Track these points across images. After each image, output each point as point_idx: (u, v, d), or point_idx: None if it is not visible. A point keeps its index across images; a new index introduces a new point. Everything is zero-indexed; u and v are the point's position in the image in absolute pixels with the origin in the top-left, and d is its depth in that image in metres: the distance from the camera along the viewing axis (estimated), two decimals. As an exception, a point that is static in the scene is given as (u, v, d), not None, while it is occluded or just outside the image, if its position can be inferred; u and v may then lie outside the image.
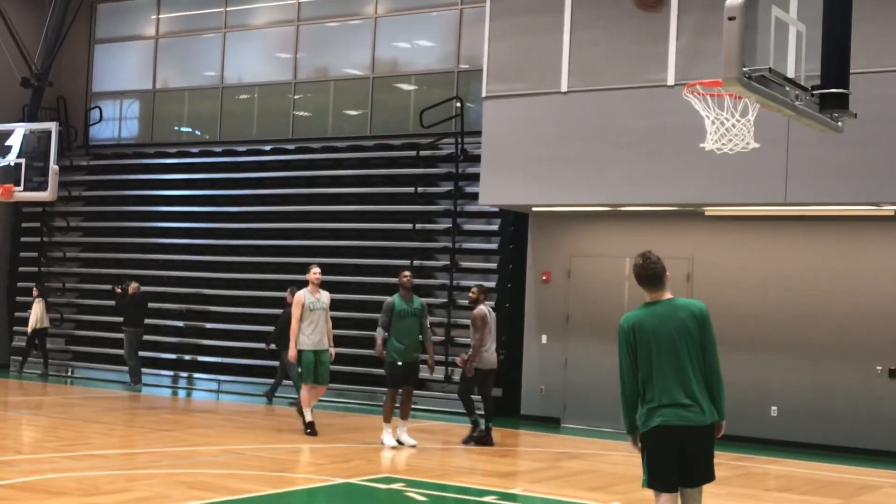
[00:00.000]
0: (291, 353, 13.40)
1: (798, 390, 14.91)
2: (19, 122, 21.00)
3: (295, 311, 13.52)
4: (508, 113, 16.16)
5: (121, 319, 19.92)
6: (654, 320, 6.50)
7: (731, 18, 7.86)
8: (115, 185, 22.50)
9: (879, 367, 14.41)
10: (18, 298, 22.91)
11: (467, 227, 18.25)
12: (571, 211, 16.39)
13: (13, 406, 16.50)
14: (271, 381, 18.54)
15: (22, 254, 23.25)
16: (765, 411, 15.05)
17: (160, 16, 23.10)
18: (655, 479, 6.49)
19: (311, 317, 13.51)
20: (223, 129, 21.96)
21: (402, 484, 10.41)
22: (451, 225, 18.20)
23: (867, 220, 14.60)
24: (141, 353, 19.89)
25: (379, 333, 13.14)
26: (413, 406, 16.41)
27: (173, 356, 20.83)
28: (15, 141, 18.84)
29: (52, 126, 18.69)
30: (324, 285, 13.84)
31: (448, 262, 18.11)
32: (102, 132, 23.70)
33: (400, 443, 13.04)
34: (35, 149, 18.64)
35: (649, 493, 6.76)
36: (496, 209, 17.52)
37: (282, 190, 20.25)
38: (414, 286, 14.09)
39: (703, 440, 6.43)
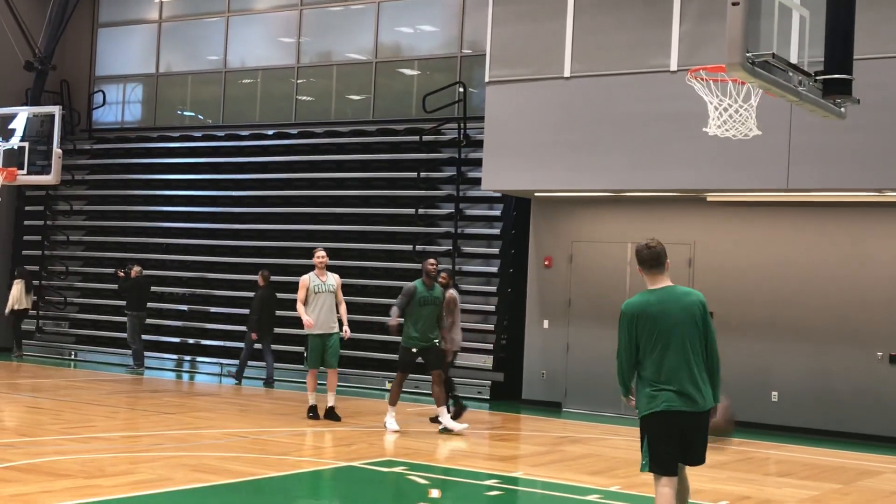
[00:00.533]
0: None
1: (799, 376, 14.92)
2: (22, 105, 20.98)
3: (300, 294, 13.50)
4: (511, 98, 16.13)
5: (123, 303, 19.95)
6: (659, 307, 6.55)
7: (734, 4, 7.84)
8: (118, 169, 22.49)
9: (880, 353, 14.42)
10: (22, 282, 22.91)
11: (470, 211, 18.24)
12: (574, 196, 16.37)
13: (17, 389, 16.54)
14: (274, 365, 18.57)
15: (25, 237, 23.26)
16: (766, 396, 15.07)
17: None
18: (658, 462, 6.56)
19: (316, 300, 13.45)
20: (226, 113, 21.93)
21: (403, 467, 10.43)
22: (453, 210, 18.19)
23: (869, 207, 14.58)
24: (144, 337, 19.94)
25: (394, 314, 13.08)
26: (414, 390, 16.47)
27: (176, 340, 20.87)
28: (18, 124, 18.83)
29: (56, 110, 18.67)
30: (316, 267, 13.71)
31: (451, 247, 18.10)
32: (105, 116, 23.68)
33: (447, 430, 12.90)
34: (38, 132, 18.62)
35: (650, 476, 6.81)
36: (499, 194, 17.51)
37: (285, 174, 20.24)
38: (417, 273, 14.13)
39: (702, 424, 6.56)
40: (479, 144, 17.43)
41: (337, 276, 13.84)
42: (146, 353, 20.02)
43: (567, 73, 15.62)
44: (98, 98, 23.48)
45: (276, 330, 18.44)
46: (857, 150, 13.53)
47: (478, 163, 17.22)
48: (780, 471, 11.78)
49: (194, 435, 12.12)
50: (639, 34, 15.15)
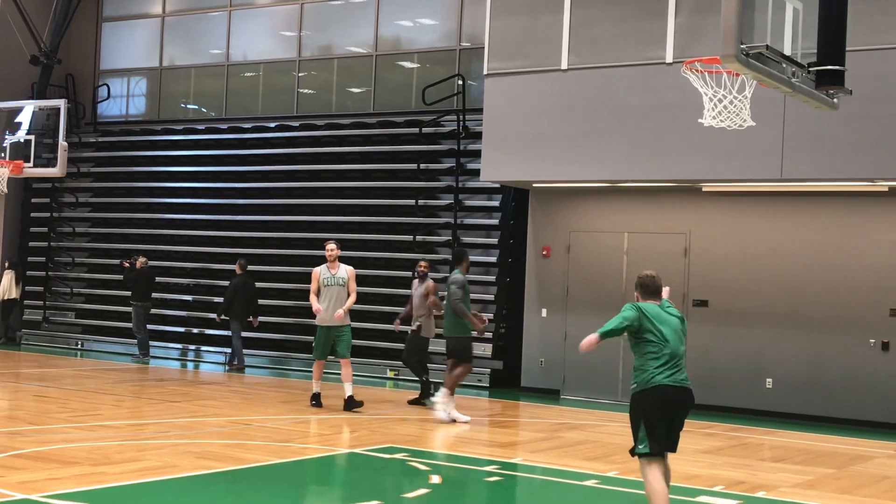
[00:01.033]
0: (337, 314, 13.14)
1: (793, 362, 14.94)
2: (28, 99, 20.96)
3: (312, 286, 13.40)
4: (509, 90, 16.11)
5: (129, 293, 19.96)
6: (657, 310, 7.31)
7: (729, -4, 7.82)
8: (122, 162, 22.48)
9: (872, 341, 14.43)
10: (28, 273, 22.95)
11: (469, 202, 18.23)
12: (571, 187, 16.37)
13: (25, 378, 16.56)
14: (278, 353, 18.62)
15: (32, 229, 23.26)
16: (760, 383, 15.08)
17: (166, -6, 23.05)
18: (655, 439, 7.03)
19: (326, 292, 13.28)
20: (229, 106, 21.92)
21: (405, 454, 10.45)
22: (452, 201, 18.19)
23: (862, 196, 14.57)
24: (149, 327, 19.96)
25: (469, 309, 13.07)
26: (417, 379, 16.47)
27: (181, 329, 20.89)
28: (24, 118, 18.84)
29: (61, 103, 18.66)
30: (325, 262, 13.57)
31: (450, 238, 18.10)
32: (110, 109, 23.66)
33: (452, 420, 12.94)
34: (44, 125, 18.62)
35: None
36: (497, 185, 17.50)
37: (287, 166, 20.23)
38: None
39: (688, 407, 7.21)
40: (477, 136, 17.42)
41: (350, 267, 13.57)
42: (151, 343, 20.04)
43: (564, 66, 15.60)
44: (103, 91, 23.47)
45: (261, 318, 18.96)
46: (850, 141, 13.53)
47: (477, 154, 17.22)
48: (774, 456, 11.79)
49: (199, 423, 12.14)
50: (635, 27, 15.13)
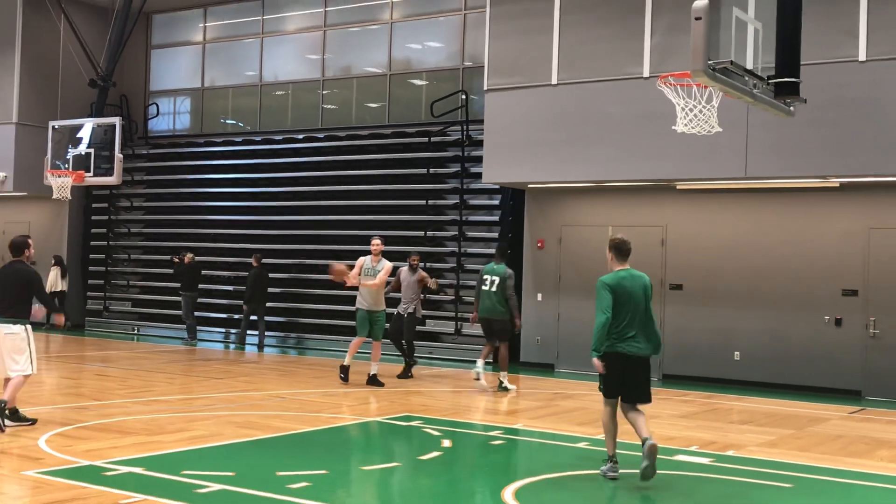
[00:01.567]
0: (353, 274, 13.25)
1: (758, 337, 14.91)
2: (88, 117, 21.00)
3: (355, 270, 13.35)
4: (507, 103, 16.09)
5: (178, 285, 20.04)
6: (628, 282, 7.73)
7: (697, 18, 7.82)
8: (170, 171, 22.50)
9: (827, 317, 14.40)
10: (91, 268, 23.02)
11: (472, 202, 18.21)
12: (562, 187, 16.34)
13: (89, 360, 16.61)
14: (307, 335, 18.61)
15: (93, 230, 23.31)
16: (729, 355, 15.06)
17: (207, 24, 23.02)
18: (607, 388, 7.81)
19: (365, 280, 13.27)
20: (262, 121, 21.92)
21: (420, 422, 10.46)
22: (458, 200, 18.17)
23: (816, 192, 14.53)
24: (196, 314, 20.00)
25: (518, 308, 13.57)
26: (429, 356, 16.49)
27: (224, 316, 20.92)
28: (85, 134, 18.87)
29: (116, 120, 18.71)
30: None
31: (456, 233, 18.09)
32: (159, 125, 23.67)
33: (505, 389, 13.24)
34: (102, 140, 18.65)
35: (630, 428, 7.25)
36: (497, 186, 17.48)
37: (313, 173, 20.23)
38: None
39: (640, 367, 7.75)
40: (479, 144, 17.40)
41: (388, 263, 13.45)
42: (198, 328, 20.09)
43: (554, 81, 15.57)
44: (152, 110, 23.48)
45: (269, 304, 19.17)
46: (805, 143, 13.48)
47: (479, 159, 17.20)
48: (741, 419, 11.78)
49: (241, 396, 12.16)
50: (616, 46, 15.09)
